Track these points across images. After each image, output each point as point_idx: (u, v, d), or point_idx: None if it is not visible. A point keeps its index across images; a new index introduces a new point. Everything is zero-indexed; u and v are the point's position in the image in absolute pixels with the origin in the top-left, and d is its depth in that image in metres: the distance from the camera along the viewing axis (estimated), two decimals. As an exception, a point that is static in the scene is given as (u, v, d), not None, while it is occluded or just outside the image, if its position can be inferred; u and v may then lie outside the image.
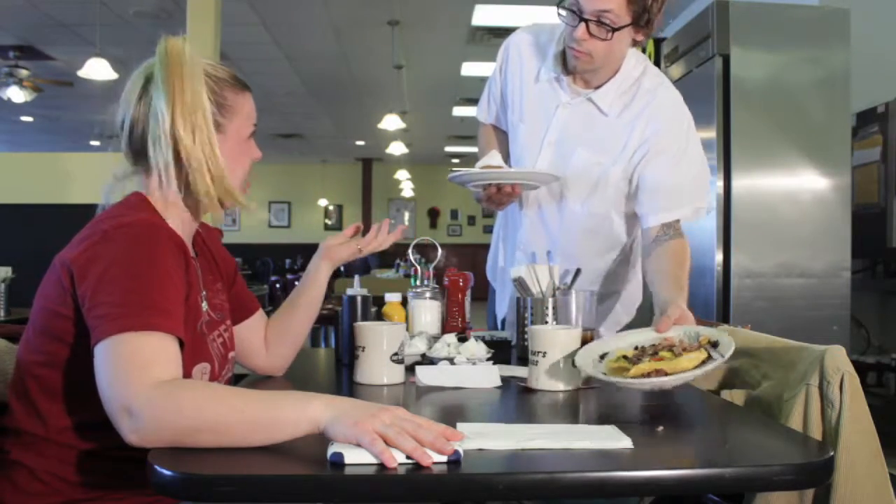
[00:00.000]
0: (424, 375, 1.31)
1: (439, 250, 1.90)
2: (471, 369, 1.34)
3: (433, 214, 15.68)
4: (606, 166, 1.76)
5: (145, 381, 0.93)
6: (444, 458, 0.84)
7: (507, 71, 2.00)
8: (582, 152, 1.77)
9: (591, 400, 1.25)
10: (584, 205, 1.80)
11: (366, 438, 0.85)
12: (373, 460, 0.83)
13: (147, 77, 1.15)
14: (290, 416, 0.92)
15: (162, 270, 1.04)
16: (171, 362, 0.99)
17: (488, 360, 1.42)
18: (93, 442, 1.09)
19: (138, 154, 1.17)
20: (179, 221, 1.19)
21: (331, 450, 0.85)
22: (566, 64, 1.77)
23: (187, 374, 1.08)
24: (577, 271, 1.64)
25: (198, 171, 1.13)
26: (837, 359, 1.13)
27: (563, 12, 1.65)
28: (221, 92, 1.20)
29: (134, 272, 1.02)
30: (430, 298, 1.70)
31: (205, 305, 1.22)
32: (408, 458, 0.83)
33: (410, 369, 1.45)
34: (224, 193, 1.17)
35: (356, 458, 0.84)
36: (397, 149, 9.34)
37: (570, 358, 1.27)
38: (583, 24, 1.58)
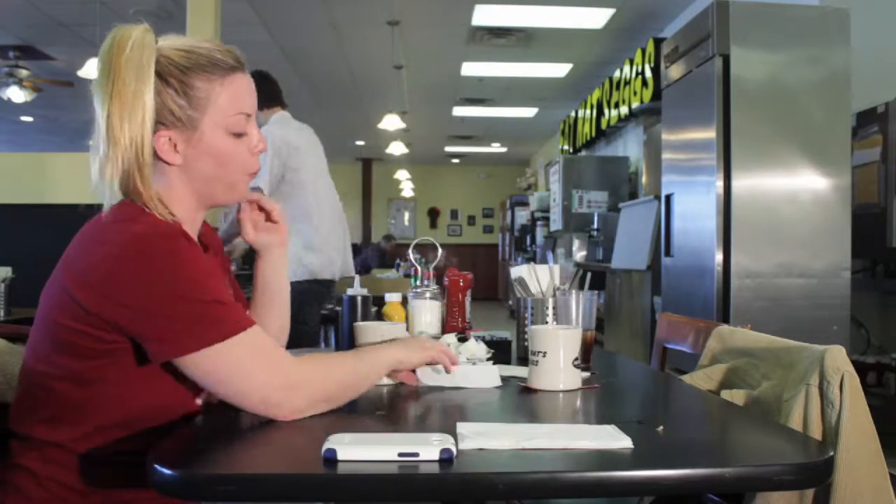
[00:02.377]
0: (425, 375, 1.31)
1: (439, 250, 1.90)
2: (471, 369, 1.34)
3: (433, 214, 15.68)
4: None
5: (285, 361, 1.06)
6: (436, 457, 0.84)
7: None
8: None
9: (591, 400, 1.25)
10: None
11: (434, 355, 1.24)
12: (363, 457, 0.84)
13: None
14: (378, 369, 1.17)
15: (199, 269, 1.04)
16: (275, 342, 1.10)
17: (488, 360, 1.42)
18: (102, 448, 1.07)
19: None
20: (180, 216, 1.12)
21: (325, 447, 0.85)
22: None
23: None
24: (577, 271, 1.64)
25: (131, 170, 1.06)
26: (837, 359, 1.13)
27: None
28: (188, 81, 1.09)
29: (179, 281, 1.01)
30: (430, 298, 1.70)
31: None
32: (402, 455, 0.84)
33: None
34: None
35: (348, 454, 0.84)
36: (397, 149, 9.35)
37: (571, 358, 1.27)
38: None
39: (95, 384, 1.05)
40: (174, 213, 1.10)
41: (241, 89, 1.15)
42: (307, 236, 3.24)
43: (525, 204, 11.40)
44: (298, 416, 1.05)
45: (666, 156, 4.09)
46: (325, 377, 1.08)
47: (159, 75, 1.08)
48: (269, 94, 3.37)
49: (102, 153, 1.07)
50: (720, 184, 3.38)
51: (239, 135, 1.14)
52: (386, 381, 1.32)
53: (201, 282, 1.03)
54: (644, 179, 6.54)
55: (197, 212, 1.19)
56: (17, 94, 7.11)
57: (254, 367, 1.03)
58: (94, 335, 1.03)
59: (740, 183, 3.35)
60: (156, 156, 1.10)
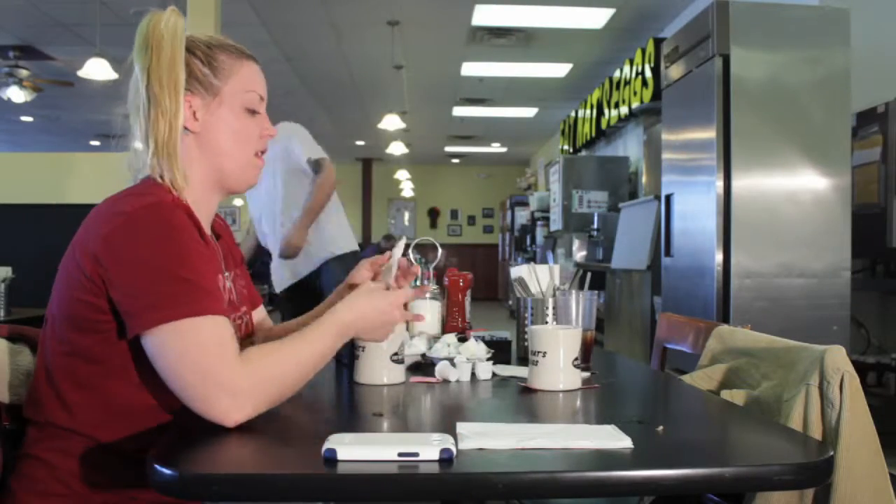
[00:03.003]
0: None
1: (439, 250, 1.90)
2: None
3: (433, 214, 15.68)
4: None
5: (235, 360, 1.00)
6: (436, 457, 0.84)
7: None
8: None
9: (591, 400, 1.25)
10: None
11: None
12: (363, 457, 0.84)
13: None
14: (337, 344, 1.12)
15: (193, 249, 1.05)
16: (235, 338, 1.04)
17: (488, 359, 1.42)
18: (119, 437, 1.08)
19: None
20: (192, 201, 1.16)
21: (325, 446, 0.85)
22: None
23: None
24: (578, 271, 1.64)
25: (156, 133, 1.12)
26: (837, 359, 1.13)
27: None
28: (214, 55, 1.18)
29: (169, 256, 1.02)
30: (431, 298, 1.70)
31: (229, 284, 1.23)
32: (402, 455, 0.84)
33: (411, 369, 1.45)
34: (174, 167, 1.14)
35: (348, 454, 0.84)
36: (397, 149, 9.35)
37: (571, 358, 1.27)
38: None
39: (103, 364, 1.06)
40: (191, 191, 1.16)
41: (257, 73, 1.23)
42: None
43: (525, 204, 11.40)
44: (244, 419, 1.01)
45: (666, 156, 4.09)
46: (271, 381, 1.03)
47: (187, 49, 1.16)
48: None
49: (144, 118, 1.12)
50: (720, 184, 3.38)
51: (253, 112, 1.21)
52: (386, 381, 1.32)
53: (182, 258, 1.03)
54: (644, 179, 6.54)
55: (212, 192, 1.21)
56: (17, 94, 7.11)
57: (202, 357, 0.99)
58: (96, 305, 1.04)
59: (740, 183, 3.35)
60: None
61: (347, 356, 1.54)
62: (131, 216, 1.04)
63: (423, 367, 1.48)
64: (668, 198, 4.01)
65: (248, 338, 1.29)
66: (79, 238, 1.08)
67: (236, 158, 1.20)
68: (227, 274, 1.24)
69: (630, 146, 7.44)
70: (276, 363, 1.04)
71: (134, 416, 1.08)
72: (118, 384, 1.07)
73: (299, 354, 1.07)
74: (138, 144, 1.16)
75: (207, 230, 1.21)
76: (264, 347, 1.06)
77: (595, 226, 6.85)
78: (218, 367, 0.99)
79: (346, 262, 3.24)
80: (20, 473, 1.09)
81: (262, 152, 1.24)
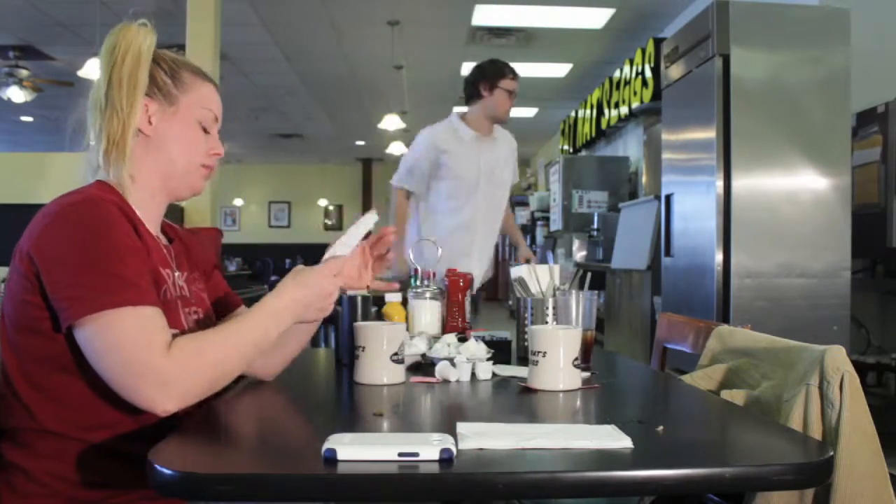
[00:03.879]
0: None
1: (439, 250, 1.89)
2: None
3: (433, 214, 15.66)
4: (506, 171, 3.43)
5: (161, 350, 1.00)
6: (436, 457, 0.84)
7: (438, 148, 3.24)
8: (502, 168, 3.41)
9: (591, 400, 1.25)
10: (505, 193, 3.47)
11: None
12: (363, 457, 0.84)
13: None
14: (272, 332, 1.12)
15: (119, 242, 1.06)
16: (165, 328, 1.04)
17: (488, 359, 1.42)
18: (86, 435, 1.08)
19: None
20: (137, 200, 1.19)
21: (325, 446, 0.85)
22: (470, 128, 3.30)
23: None
24: (578, 271, 1.64)
25: (109, 132, 1.16)
26: (837, 359, 1.13)
27: (506, 87, 3.49)
28: (178, 69, 1.23)
29: (94, 249, 1.03)
30: (430, 298, 1.70)
31: (180, 282, 1.23)
32: (402, 455, 0.84)
33: (411, 369, 1.45)
34: (121, 168, 1.17)
35: (348, 454, 0.84)
36: (397, 149, 9.34)
37: (571, 358, 1.27)
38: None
39: (52, 361, 1.07)
40: (138, 192, 1.19)
41: (215, 95, 1.29)
42: None
43: (525, 204, 11.39)
44: (179, 408, 1.01)
45: (666, 156, 4.09)
46: (197, 369, 1.03)
47: (154, 60, 1.21)
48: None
49: (100, 115, 1.17)
50: (720, 184, 3.38)
51: (205, 130, 1.26)
52: (386, 381, 1.32)
53: (106, 251, 1.04)
54: (644, 179, 6.54)
55: (158, 195, 1.24)
56: (17, 94, 7.11)
57: (124, 347, 0.99)
58: (35, 303, 1.06)
59: (740, 183, 3.35)
60: None
61: (347, 356, 1.54)
62: (58, 214, 1.07)
63: (423, 367, 1.48)
64: (668, 198, 4.01)
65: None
66: (20, 241, 1.11)
67: (182, 165, 1.23)
68: (178, 273, 1.25)
69: (630, 146, 7.43)
70: (204, 351, 1.04)
71: (92, 409, 1.07)
72: (70, 380, 1.07)
73: (227, 341, 1.08)
74: (93, 142, 1.20)
75: (154, 229, 1.24)
76: (195, 336, 1.07)
77: (595, 226, 6.85)
78: (141, 357, 0.99)
79: None
80: (1, 482, 1.10)
81: (209, 168, 1.27)
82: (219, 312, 1.36)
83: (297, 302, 1.16)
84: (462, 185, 3.24)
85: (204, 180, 1.28)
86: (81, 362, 1.05)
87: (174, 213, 4.78)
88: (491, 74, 3.41)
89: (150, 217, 1.23)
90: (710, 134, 3.44)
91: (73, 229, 1.05)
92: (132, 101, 1.16)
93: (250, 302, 1.44)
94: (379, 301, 1.70)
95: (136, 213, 1.16)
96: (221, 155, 1.28)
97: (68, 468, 1.07)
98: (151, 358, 0.99)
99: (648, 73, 6.02)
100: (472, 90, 3.38)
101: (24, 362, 1.09)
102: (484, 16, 6.27)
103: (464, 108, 3.42)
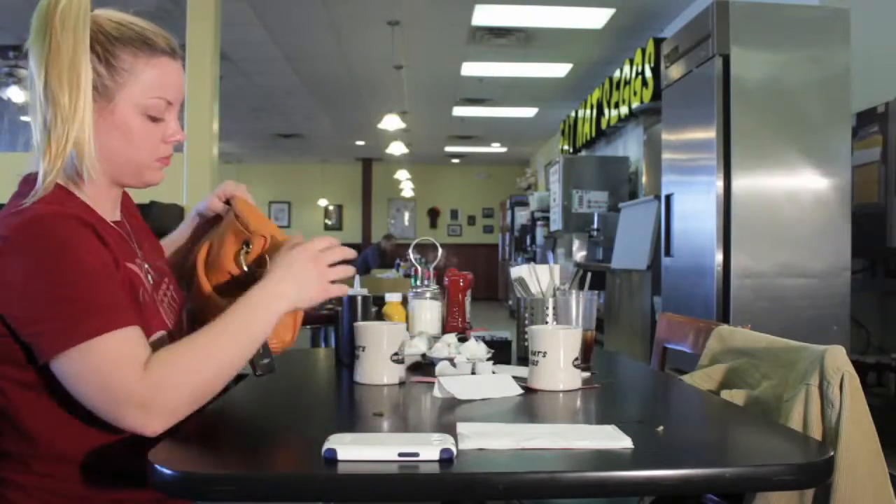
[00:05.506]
0: (448, 384, 1.22)
1: (439, 250, 1.90)
2: (489, 382, 1.31)
3: (433, 214, 15.68)
4: None
5: (137, 372, 0.94)
6: (436, 457, 0.84)
7: None
8: None
9: (591, 400, 1.25)
10: None
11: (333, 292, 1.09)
12: (363, 457, 0.84)
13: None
14: (263, 328, 1.05)
15: (84, 264, 0.97)
16: (142, 346, 0.98)
17: (488, 359, 1.42)
18: (79, 453, 1.05)
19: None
20: (92, 195, 1.10)
21: (325, 447, 0.85)
22: None
23: None
24: (578, 271, 1.64)
25: (55, 139, 1.01)
26: (837, 359, 1.13)
27: None
28: (113, 51, 1.05)
29: (58, 277, 0.95)
30: (431, 298, 1.70)
31: (146, 266, 1.15)
32: (402, 455, 0.84)
33: (411, 369, 1.45)
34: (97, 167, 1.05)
35: (348, 454, 0.84)
36: (397, 149, 9.35)
37: (571, 358, 1.27)
38: None
39: (43, 386, 1.01)
40: (90, 186, 1.08)
41: (168, 74, 1.10)
42: None
43: (525, 204, 11.40)
44: (164, 429, 0.96)
45: (666, 156, 4.09)
46: (180, 386, 0.96)
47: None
48: None
49: (42, 117, 1.02)
50: (720, 184, 3.38)
51: (155, 119, 1.10)
52: (386, 381, 1.32)
53: (71, 277, 0.96)
54: (644, 179, 6.55)
55: (109, 189, 1.13)
56: (17, 94, 7.11)
57: (102, 375, 0.93)
58: (4, 334, 0.99)
59: (740, 183, 3.35)
60: None
61: (347, 356, 1.54)
62: (10, 240, 0.97)
63: (423, 367, 1.48)
64: (668, 198, 4.01)
65: (182, 308, 1.22)
66: None
67: (127, 163, 1.10)
68: (140, 255, 1.16)
69: (630, 146, 7.44)
70: (178, 363, 0.97)
71: (83, 429, 1.03)
72: (56, 403, 1.02)
73: (205, 348, 1.00)
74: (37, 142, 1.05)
75: (113, 217, 1.15)
76: (176, 348, 0.99)
77: (595, 226, 6.85)
78: (120, 382, 0.93)
79: None
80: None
81: (165, 159, 1.14)
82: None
83: (300, 295, 1.07)
84: None
85: (160, 171, 1.14)
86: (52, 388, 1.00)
87: (173, 214, 4.78)
88: None
89: (107, 207, 1.13)
90: (710, 134, 3.44)
91: (30, 258, 0.95)
92: (76, 99, 1.01)
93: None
94: (379, 301, 1.70)
95: (93, 212, 1.07)
96: (181, 140, 1.13)
97: (67, 485, 1.05)
98: (127, 382, 0.93)
99: (648, 73, 6.03)
100: None
101: (10, 390, 1.03)
102: (484, 16, 6.27)
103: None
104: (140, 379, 0.94)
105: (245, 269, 1.11)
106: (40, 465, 1.05)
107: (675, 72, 3.95)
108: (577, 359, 1.28)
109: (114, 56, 1.05)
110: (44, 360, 0.95)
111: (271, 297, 1.06)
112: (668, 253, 4.03)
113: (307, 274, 1.08)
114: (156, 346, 1.02)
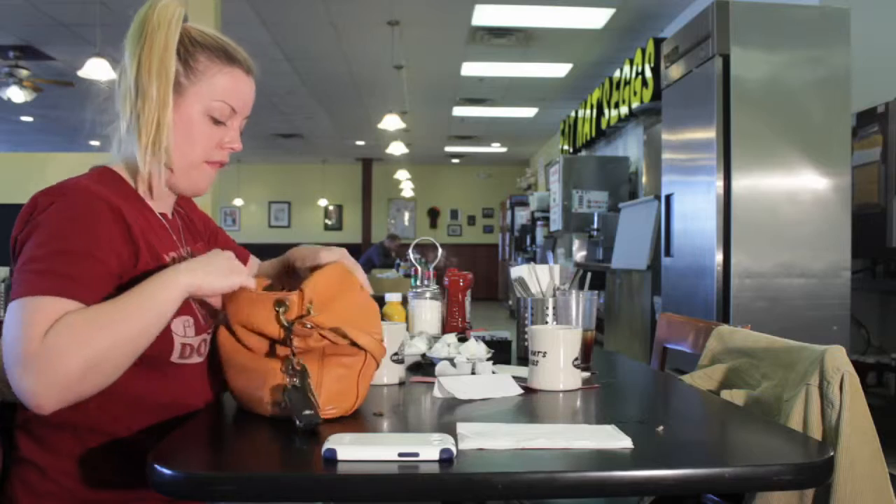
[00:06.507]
0: (448, 384, 1.23)
1: (439, 250, 1.90)
2: (489, 382, 1.31)
3: (433, 214, 15.68)
4: None
5: (36, 339, 0.92)
6: (436, 457, 0.84)
7: None
8: None
9: (591, 400, 1.25)
10: None
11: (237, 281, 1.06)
12: (363, 457, 0.84)
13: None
14: (166, 304, 1.01)
15: (81, 241, 1.01)
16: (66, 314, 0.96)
17: (488, 359, 1.42)
18: (102, 436, 1.08)
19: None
20: (153, 187, 1.17)
21: (325, 446, 0.85)
22: None
23: (167, 328, 1.06)
24: (578, 271, 1.64)
25: (144, 125, 1.10)
26: (837, 359, 1.13)
27: None
28: (193, 53, 1.15)
29: (54, 238, 1.00)
30: (431, 298, 1.70)
31: (185, 255, 1.21)
32: (402, 455, 0.84)
33: (411, 369, 1.45)
34: (160, 160, 1.12)
35: (348, 454, 0.84)
36: (397, 149, 9.35)
37: (571, 358, 1.27)
38: None
39: None
40: (139, 180, 1.16)
41: (238, 83, 1.18)
42: None
43: (525, 204, 11.40)
44: (47, 405, 0.91)
45: (666, 156, 4.09)
46: (76, 352, 0.92)
47: None
48: None
49: (132, 108, 1.10)
50: (720, 184, 3.38)
51: (217, 122, 1.17)
52: (386, 381, 1.32)
53: (67, 245, 1.00)
54: (644, 179, 6.54)
55: (159, 185, 1.18)
56: (17, 94, 7.10)
57: (15, 330, 0.93)
58: None
59: (740, 183, 3.35)
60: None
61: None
62: (34, 202, 1.05)
63: (423, 367, 1.48)
64: (668, 198, 4.01)
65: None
66: (14, 231, 1.09)
67: (181, 157, 1.15)
68: (184, 249, 1.22)
69: (630, 146, 7.44)
70: (80, 335, 0.93)
71: (100, 410, 1.06)
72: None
73: (110, 319, 0.97)
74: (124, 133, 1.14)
75: (161, 210, 1.21)
76: (74, 316, 0.95)
77: (595, 226, 6.85)
78: (24, 339, 0.92)
79: None
80: (14, 477, 1.10)
81: (216, 164, 1.20)
82: None
83: (206, 277, 1.05)
84: None
85: (208, 177, 1.20)
86: None
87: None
88: None
89: (159, 204, 1.21)
90: (710, 134, 3.44)
91: (45, 219, 1.02)
92: (164, 90, 1.10)
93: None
94: (379, 301, 1.70)
95: (136, 198, 1.14)
96: (237, 149, 1.20)
97: (84, 467, 1.07)
98: (30, 341, 0.91)
99: (648, 73, 6.03)
100: None
101: None
102: (484, 16, 6.27)
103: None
104: (39, 342, 0.91)
105: (286, 324, 1.03)
106: (61, 442, 1.07)
107: (674, 72, 3.95)
108: (577, 359, 1.28)
109: (192, 57, 1.15)
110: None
111: (175, 273, 1.03)
112: (668, 253, 4.03)
113: (219, 262, 1.08)
114: (179, 329, 1.08)
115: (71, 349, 0.92)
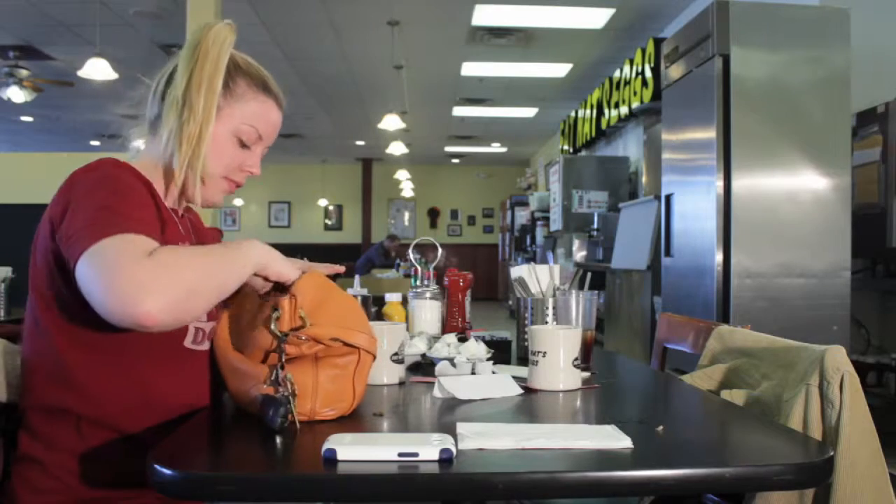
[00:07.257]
0: (448, 384, 1.24)
1: (439, 250, 1.90)
2: (488, 382, 1.31)
3: (433, 214, 15.68)
4: None
5: (141, 258, 0.94)
6: (436, 457, 0.84)
7: None
8: None
9: (590, 400, 1.25)
10: None
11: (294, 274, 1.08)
12: (363, 457, 0.84)
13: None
14: (241, 266, 1.03)
15: (129, 192, 1.06)
16: (151, 246, 0.98)
17: (488, 359, 1.42)
18: (105, 430, 1.09)
19: (153, 122, 1.22)
20: (162, 185, 1.22)
21: (325, 446, 0.85)
22: None
23: None
24: (578, 271, 1.64)
25: (187, 136, 1.16)
26: (837, 359, 1.13)
27: None
28: (235, 76, 1.22)
29: (101, 196, 1.03)
30: (431, 298, 1.70)
31: None
32: (402, 455, 0.84)
33: (411, 369, 1.45)
34: (196, 170, 1.18)
35: (348, 454, 0.84)
36: (397, 149, 9.35)
37: (571, 358, 1.27)
38: None
39: (78, 339, 1.08)
40: (159, 178, 1.21)
41: (268, 112, 1.27)
42: None
43: (525, 204, 11.40)
44: (164, 316, 0.92)
45: (666, 156, 4.09)
46: (181, 275, 0.95)
47: None
48: None
49: (176, 117, 1.16)
50: (720, 184, 3.38)
51: (243, 145, 1.25)
52: (386, 381, 1.32)
53: (119, 198, 1.03)
54: (644, 179, 6.55)
55: (177, 190, 1.24)
56: (17, 94, 7.11)
57: (112, 257, 0.94)
58: (60, 254, 1.04)
59: (740, 183, 3.35)
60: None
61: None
62: (72, 178, 1.08)
63: (423, 367, 1.48)
64: (668, 198, 4.01)
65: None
66: (45, 214, 1.11)
67: (206, 168, 1.20)
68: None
69: (630, 146, 7.44)
70: (184, 262, 0.97)
71: (106, 398, 1.09)
72: (92, 359, 1.09)
73: (203, 260, 1.00)
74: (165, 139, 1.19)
75: (175, 205, 1.26)
76: (175, 248, 1.00)
77: (595, 226, 6.85)
78: (130, 270, 0.92)
79: None
80: (15, 475, 1.11)
81: (233, 183, 1.27)
82: None
83: (271, 259, 1.08)
84: None
85: (221, 192, 1.26)
86: (91, 349, 1.07)
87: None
88: None
89: (173, 203, 1.25)
90: (710, 134, 3.44)
91: (85, 185, 1.05)
92: (209, 106, 1.16)
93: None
94: (379, 301, 1.70)
95: (146, 178, 1.16)
96: (256, 174, 1.27)
97: (84, 463, 1.08)
98: (129, 264, 0.93)
99: (648, 73, 6.03)
100: None
101: (50, 336, 1.10)
102: (484, 16, 6.27)
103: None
104: (142, 262, 0.93)
105: (279, 334, 1.03)
106: (61, 436, 1.08)
107: (675, 72, 3.95)
108: (576, 359, 1.28)
109: (233, 81, 1.22)
110: (75, 263, 0.97)
111: (249, 245, 1.06)
112: (668, 253, 4.03)
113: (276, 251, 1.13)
114: None
115: (180, 264, 0.95)
